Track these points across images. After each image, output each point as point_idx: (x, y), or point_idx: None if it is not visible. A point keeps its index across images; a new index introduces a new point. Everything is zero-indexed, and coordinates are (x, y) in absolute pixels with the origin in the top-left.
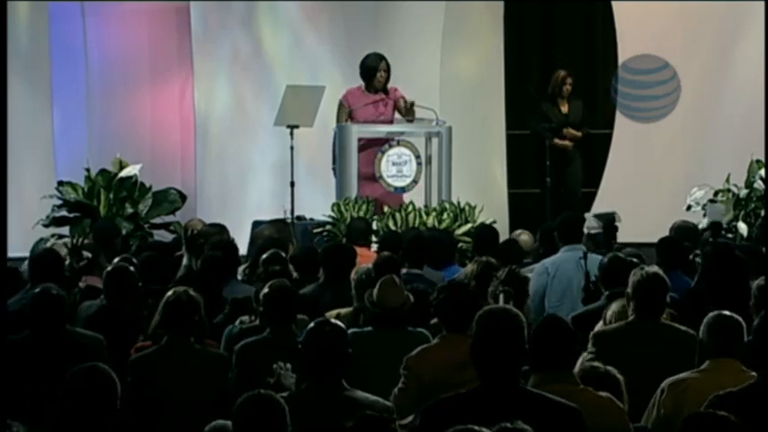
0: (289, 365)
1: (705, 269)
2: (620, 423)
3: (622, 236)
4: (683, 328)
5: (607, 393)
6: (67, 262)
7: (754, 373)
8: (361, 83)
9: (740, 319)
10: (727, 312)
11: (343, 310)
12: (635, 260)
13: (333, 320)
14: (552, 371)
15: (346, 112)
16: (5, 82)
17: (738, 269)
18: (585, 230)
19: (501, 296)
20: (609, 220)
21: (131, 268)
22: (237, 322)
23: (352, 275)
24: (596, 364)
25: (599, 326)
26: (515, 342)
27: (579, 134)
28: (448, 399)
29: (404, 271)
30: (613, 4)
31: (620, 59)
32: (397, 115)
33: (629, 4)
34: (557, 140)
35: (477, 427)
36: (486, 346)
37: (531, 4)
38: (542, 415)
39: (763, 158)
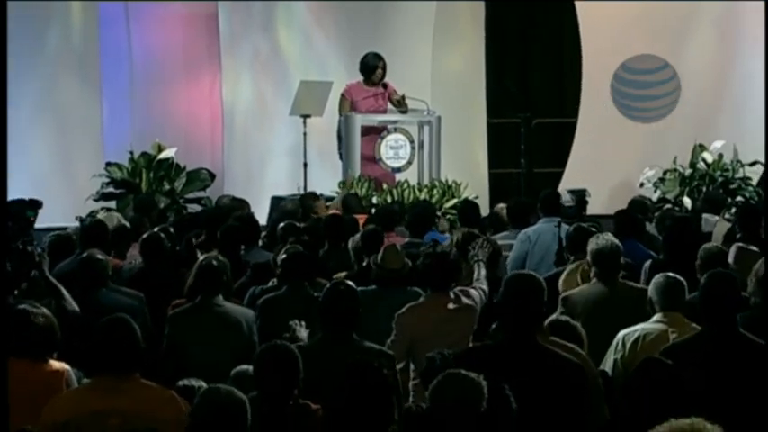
0: (303, 323)
1: (666, 239)
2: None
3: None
4: (637, 285)
5: (574, 346)
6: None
7: (694, 324)
8: (360, 78)
9: (683, 279)
10: (671, 273)
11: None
12: (593, 229)
13: (346, 281)
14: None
15: (348, 104)
16: (5, 81)
17: (696, 238)
18: (562, 203)
19: (475, 265)
20: (580, 195)
21: (163, 235)
22: (271, 283)
23: (350, 243)
24: (564, 318)
25: (560, 286)
26: (536, 303)
27: None
28: (475, 349)
29: (406, 240)
30: (576, 4)
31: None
32: (389, 106)
33: (592, 4)
34: None
35: (468, 373)
36: (511, 306)
37: (508, 9)
38: (552, 367)
39: (702, 143)
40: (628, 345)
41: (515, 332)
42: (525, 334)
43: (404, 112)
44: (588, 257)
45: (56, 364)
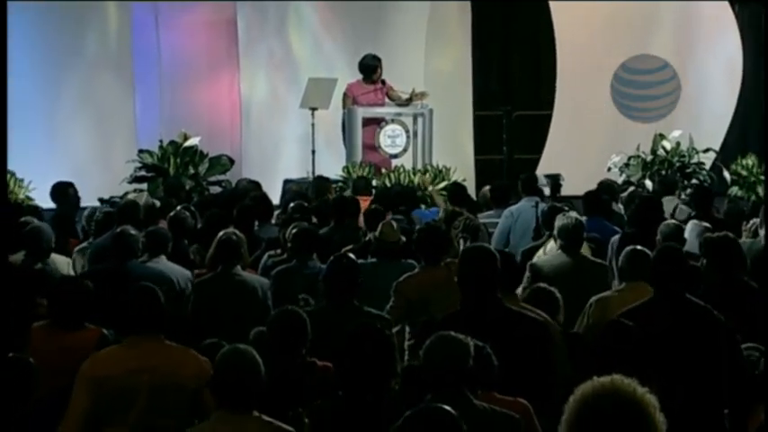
0: (308, 297)
1: (635, 216)
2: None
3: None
4: (598, 260)
5: (542, 313)
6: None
7: None
8: (359, 77)
9: (649, 252)
10: (639, 246)
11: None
12: (566, 209)
13: (347, 254)
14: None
15: (350, 101)
16: (5, 81)
17: (659, 216)
18: (539, 186)
19: (461, 241)
20: (555, 179)
21: (187, 213)
22: (266, 256)
23: (361, 218)
24: (543, 285)
25: (538, 256)
26: (491, 270)
27: None
28: (453, 314)
29: (390, 216)
30: (551, 6)
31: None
32: (386, 99)
33: (566, 4)
34: None
35: (457, 334)
36: (469, 274)
37: (492, 14)
38: (518, 326)
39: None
40: (597, 309)
41: (477, 298)
42: (487, 298)
43: (401, 106)
44: (554, 231)
45: (91, 327)
